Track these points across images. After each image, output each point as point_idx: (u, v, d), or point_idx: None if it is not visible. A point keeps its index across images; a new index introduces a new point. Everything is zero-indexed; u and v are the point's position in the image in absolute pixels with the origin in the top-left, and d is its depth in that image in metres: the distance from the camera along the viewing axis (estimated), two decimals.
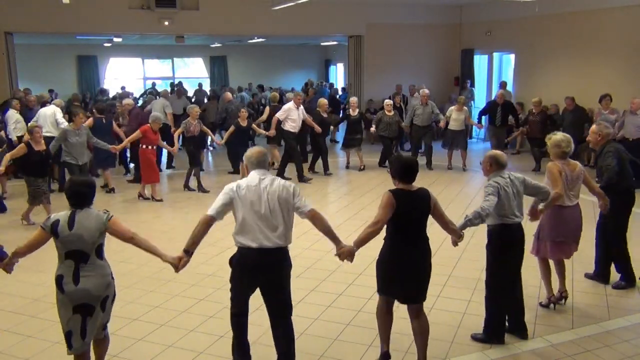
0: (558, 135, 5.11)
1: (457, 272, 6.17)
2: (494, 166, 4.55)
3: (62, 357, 4.43)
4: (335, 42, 21.01)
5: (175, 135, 10.16)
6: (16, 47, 13.53)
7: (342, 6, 14.91)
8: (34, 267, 6.38)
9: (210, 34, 16.00)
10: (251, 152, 4.17)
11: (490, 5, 14.81)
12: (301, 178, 10.85)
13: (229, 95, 13.09)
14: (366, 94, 15.74)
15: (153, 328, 4.92)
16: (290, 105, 11.00)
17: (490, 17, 15.06)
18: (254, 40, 19.91)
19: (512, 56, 15.01)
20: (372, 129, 12.08)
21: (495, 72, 15.92)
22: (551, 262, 5.32)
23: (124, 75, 23.15)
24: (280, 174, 10.64)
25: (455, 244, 4.43)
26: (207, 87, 21.33)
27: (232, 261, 4.07)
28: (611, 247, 5.70)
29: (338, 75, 25.10)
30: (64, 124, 9.97)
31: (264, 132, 11.40)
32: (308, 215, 4.00)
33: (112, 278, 3.88)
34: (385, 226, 4.04)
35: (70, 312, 3.67)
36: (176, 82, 21.07)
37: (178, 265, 3.95)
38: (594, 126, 5.76)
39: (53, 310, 5.26)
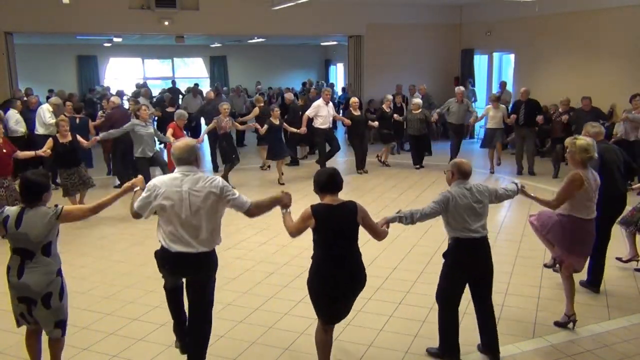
0: (584, 140, 4.64)
1: None
2: (456, 175, 4.21)
3: (62, 357, 4.43)
4: (335, 42, 21.01)
5: (205, 131, 10.71)
6: (16, 47, 13.53)
7: (342, 6, 14.91)
8: None
9: (210, 34, 16.01)
10: (174, 146, 3.85)
11: (490, 5, 14.81)
12: None
13: (211, 94, 13.12)
14: (366, 94, 15.74)
15: (153, 328, 4.92)
16: (319, 102, 11.32)
17: (490, 17, 15.06)
18: (254, 40, 19.91)
19: (512, 56, 15.02)
20: (398, 117, 12.23)
21: (495, 72, 15.91)
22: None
23: (124, 75, 23.13)
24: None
25: (383, 233, 4.08)
26: (206, 87, 21.29)
27: (156, 254, 3.89)
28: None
29: (338, 75, 25.09)
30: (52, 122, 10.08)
31: (295, 129, 11.40)
32: (248, 212, 3.83)
33: (60, 275, 3.82)
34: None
35: (17, 301, 3.79)
36: (172, 82, 21.06)
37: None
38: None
39: None
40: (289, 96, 13.54)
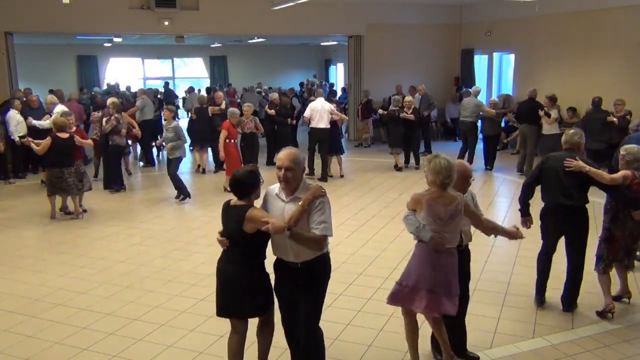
0: (441, 161, 3.77)
1: None
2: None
3: (62, 357, 4.44)
4: (335, 42, 21.02)
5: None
6: (16, 47, 13.52)
7: (342, 6, 14.91)
8: (34, 267, 6.40)
9: (210, 34, 16.01)
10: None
11: (490, 5, 14.82)
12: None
13: (204, 98, 13.07)
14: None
15: (153, 328, 4.92)
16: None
17: (490, 17, 15.07)
18: (254, 40, 19.91)
19: (512, 56, 15.02)
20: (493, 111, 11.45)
21: (495, 72, 15.90)
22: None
23: (124, 75, 23.13)
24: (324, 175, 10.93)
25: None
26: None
27: None
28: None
29: (338, 75, 25.10)
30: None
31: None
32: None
33: None
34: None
35: None
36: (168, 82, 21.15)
37: None
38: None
39: (53, 310, 5.29)
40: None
